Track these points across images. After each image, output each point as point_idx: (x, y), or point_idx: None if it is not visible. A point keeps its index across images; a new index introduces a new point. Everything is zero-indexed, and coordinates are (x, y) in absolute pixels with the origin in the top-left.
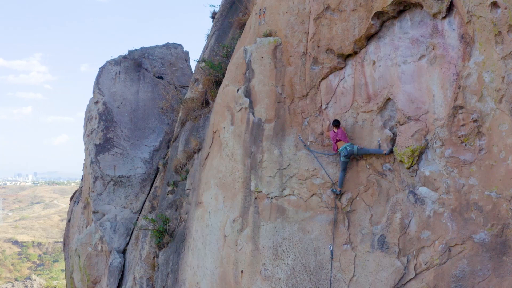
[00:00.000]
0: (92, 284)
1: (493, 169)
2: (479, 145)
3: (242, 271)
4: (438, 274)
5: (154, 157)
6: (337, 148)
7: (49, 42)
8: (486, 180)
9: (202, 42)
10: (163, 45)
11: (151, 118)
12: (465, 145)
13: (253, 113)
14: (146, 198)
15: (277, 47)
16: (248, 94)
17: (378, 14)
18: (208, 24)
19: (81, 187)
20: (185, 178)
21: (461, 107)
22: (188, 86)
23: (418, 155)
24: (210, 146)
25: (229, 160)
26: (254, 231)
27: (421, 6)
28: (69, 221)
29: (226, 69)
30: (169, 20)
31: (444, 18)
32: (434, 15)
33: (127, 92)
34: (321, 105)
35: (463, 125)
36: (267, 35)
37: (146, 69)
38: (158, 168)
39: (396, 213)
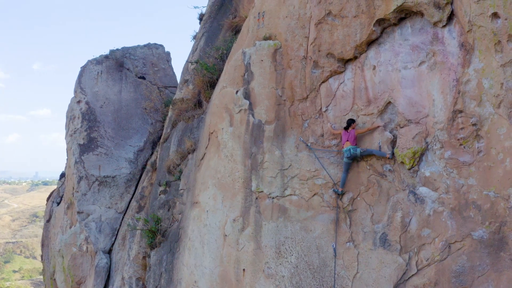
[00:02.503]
0: (76, 285)
1: (491, 170)
2: (477, 147)
3: (244, 270)
4: (439, 270)
5: (138, 157)
6: (343, 147)
7: (0, 39)
8: (484, 181)
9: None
10: (144, 45)
11: (134, 118)
12: (464, 147)
13: (253, 115)
14: (132, 198)
15: (277, 51)
16: (247, 96)
17: (380, 21)
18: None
19: (59, 187)
20: (179, 178)
21: (461, 111)
22: (171, 87)
23: (419, 157)
24: (206, 147)
25: (228, 161)
26: (256, 230)
27: (422, 14)
28: (47, 221)
29: (221, 70)
30: (124, 22)
31: (444, 26)
32: (435, 24)
33: (110, 92)
34: (321, 108)
35: (462, 129)
36: (266, 38)
37: (128, 69)
38: (143, 168)
39: (397, 212)
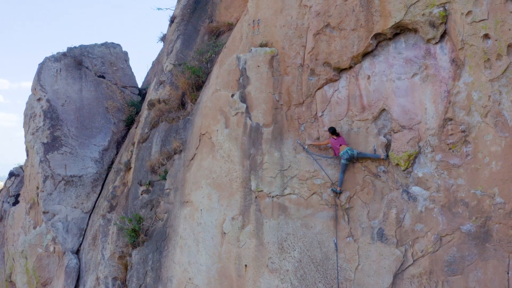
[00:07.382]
0: (41, 286)
1: (478, 171)
2: (465, 151)
3: (246, 265)
4: (433, 260)
5: (104, 156)
6: (338, 153)
7: None
8: (472, 181)
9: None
10: (102, 44)
11: (97, 118)
12: (453, 151)
13: (250, 118)
14: (98, 197)
15: (274, 57)
16: (243, 99)
17: (376, 35)
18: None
19: (8, 186)
20: (164, 178)
21: (451, 119)
22: (131, 87)
23: (413, 159)
24: (197, 148)
25: (224, 161)
26: (258, 227)
27: (416, 31)
28: None
29: (207, 73)
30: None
31: (436, 43)
32: (428, 40)
33: (70, 90)
34: (316, 113)
35: (451, 135)
36: (263, 45)
37: (87, 68)
38: (109, 168)
39: (392, 209)
